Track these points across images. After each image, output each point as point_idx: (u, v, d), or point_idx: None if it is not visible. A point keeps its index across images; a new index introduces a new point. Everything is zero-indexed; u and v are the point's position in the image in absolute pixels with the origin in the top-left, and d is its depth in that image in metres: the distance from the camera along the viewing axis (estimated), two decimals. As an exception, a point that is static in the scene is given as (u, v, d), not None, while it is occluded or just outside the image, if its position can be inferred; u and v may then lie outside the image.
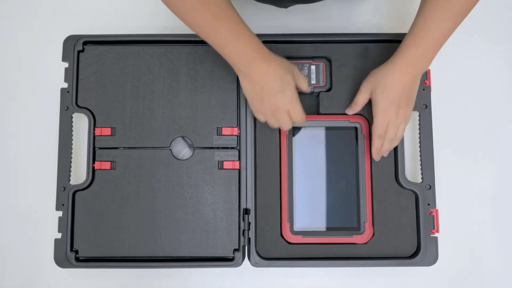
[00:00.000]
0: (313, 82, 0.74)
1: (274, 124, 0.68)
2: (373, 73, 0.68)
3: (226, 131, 0.72)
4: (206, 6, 0.58)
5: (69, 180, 0.72)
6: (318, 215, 0.72)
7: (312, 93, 0.72)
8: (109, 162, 0.72)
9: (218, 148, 0.72)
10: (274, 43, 0.74)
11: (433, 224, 0.71)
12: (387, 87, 0.65)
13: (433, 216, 0.71)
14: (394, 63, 0.64)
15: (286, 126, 0.68)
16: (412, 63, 0.63)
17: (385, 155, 0.71)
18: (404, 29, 0.76)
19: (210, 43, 0.63)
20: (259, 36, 0.70)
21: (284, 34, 0.74)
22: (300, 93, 0.74)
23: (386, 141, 0.68)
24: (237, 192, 0.71)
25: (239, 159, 0.72)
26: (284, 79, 0.64)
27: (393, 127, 0.67)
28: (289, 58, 0.74)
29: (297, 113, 0.67)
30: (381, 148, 0.69)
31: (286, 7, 0.75)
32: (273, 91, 0.63)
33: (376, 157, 0.70)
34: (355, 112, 0.71)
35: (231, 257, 0.70)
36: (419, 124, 0.73)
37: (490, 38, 0.81)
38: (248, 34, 0.62)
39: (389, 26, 0.81)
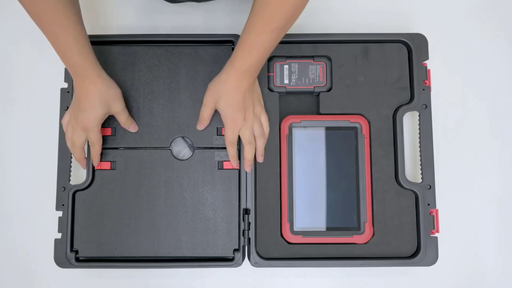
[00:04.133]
0: (314, 81, 0.74)
1: (68, 137, 0.70)
2: (212, 85, 0.68)
3: (226, 131, 0.72)
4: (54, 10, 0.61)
5: (69, 180, 0.72)
6: (318, 215, 0.72)
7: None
8: (109, 162, 0.72)
9: (218, 148, 0.72)
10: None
11: (433, 224, 0.71)
12: (229, 97, 0.66)
13: (433, 216, 0.71)
14: (230, 74, 0.65)
15: (76, 144, 0.69)
16: (246, 73, 0.65)
17: (260, 157, 0.71)
18: (398, 29, 0.76)
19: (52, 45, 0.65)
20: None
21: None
22: (301, 93, 0.74)
23: (246, 144, 0.69)
24: (237, 192, 0.71)
25: (239, 159, 0.72)
26: (99, 101, 0.66)
27: (246, 130, 0.68)
28: (289, 57, 0.74)
29: (93, 138, 0.68)
30: (248, 153, 0.69)
31: (176, 2, 0.77)
32: (85, 108, 0.66)
33: (248, 163, 0.70)
34: (205, 127, 0.71)
35: (231, 257, 0.70)
36: (419, 124, 0.73)
37: (490, 38, 0.81)
38: (87, 48, 0.66)
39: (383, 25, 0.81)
